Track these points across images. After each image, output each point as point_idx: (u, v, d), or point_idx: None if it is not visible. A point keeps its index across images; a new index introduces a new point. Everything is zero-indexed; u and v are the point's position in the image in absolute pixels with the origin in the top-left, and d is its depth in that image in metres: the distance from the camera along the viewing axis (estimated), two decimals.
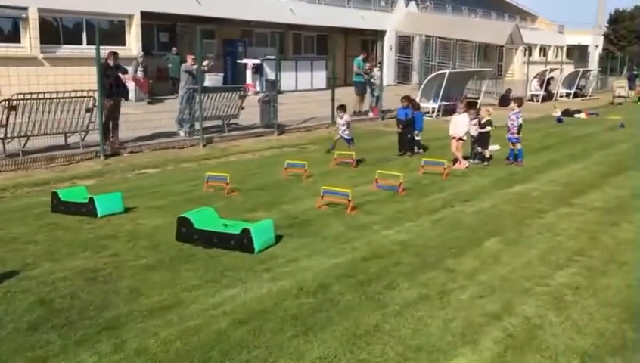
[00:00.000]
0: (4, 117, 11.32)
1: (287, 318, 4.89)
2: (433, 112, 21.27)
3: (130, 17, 19.68)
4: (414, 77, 32.77)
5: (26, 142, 11.76)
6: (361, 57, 20.07)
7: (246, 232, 6.40)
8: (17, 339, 4.47)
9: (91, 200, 7.77)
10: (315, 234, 7.16)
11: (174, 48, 21.35)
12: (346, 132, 12.93)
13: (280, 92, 22.55)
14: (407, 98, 12.92)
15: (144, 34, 20.55)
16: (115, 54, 12.71)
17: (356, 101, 19.86)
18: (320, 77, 26.96)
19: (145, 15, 19.95)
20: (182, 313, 4.96)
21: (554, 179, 10.72)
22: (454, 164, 11.53)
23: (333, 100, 17.79)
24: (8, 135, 11.43)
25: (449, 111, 20.14)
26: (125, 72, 12.85)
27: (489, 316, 4.99)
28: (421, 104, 20.31)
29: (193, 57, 14.11)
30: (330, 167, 11.53)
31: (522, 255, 6.54)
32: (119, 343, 4.43)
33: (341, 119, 12.97)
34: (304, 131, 16.85)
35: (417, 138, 12.95)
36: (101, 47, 11.71)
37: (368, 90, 20.22)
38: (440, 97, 21.34)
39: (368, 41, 32.98)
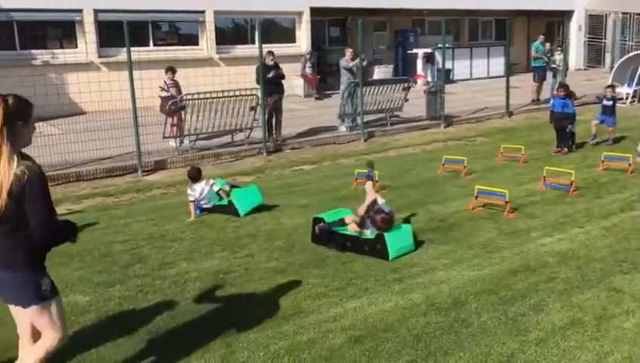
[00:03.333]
0: (176, 117, 12.02)
1: (409, 338, 4.39)
2: (627, 98, 18.93)
3: (300, 13, 20.03)
4: (607, 59, 29.59)
5: (195, 140, 12.39)
6: (539, 40, 18.44)
7: (380, 237, 5.96)
8: (136, 343, 4.47)
9: (230, 202, 7.82)
10: (460, 240, 6.50)
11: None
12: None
13: (452, 81, 21.69)
14: (564, 87, 11.52)
15: (314, 30, 20.82)
16: (271, 52, 12.88)
17: (534, 88, 18.30)
18: (498, 64, 25.26)
19: (315, 11, 20.17)
20: (299, 324, 4.68)
21: None
22: None
23: (508, 87, 16.58)
24: (180, 134, 12.13)
25: None
26: (277, 72, 12.89)
27: None
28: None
29: (351, 50, 13.86)
30: (496, 162, 10.62)
31: None
32: (227, 354, 4.27)
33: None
34: (474, 123, 15.86)
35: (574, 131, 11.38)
36: (272, 45, 11.97)
37: (549, 75, 18.52)
38: (636, 80, 18.90)
39: (554, 22, 30.40)
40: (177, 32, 19.12)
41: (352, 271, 5.73)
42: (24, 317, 3.39)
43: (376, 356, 4.17)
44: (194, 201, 7.82)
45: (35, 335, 3.48)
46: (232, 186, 8.21)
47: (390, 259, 5.91)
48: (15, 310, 3.39)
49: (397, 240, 6.03)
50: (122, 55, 15.05)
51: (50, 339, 3.42)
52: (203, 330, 4.65)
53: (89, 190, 9.99)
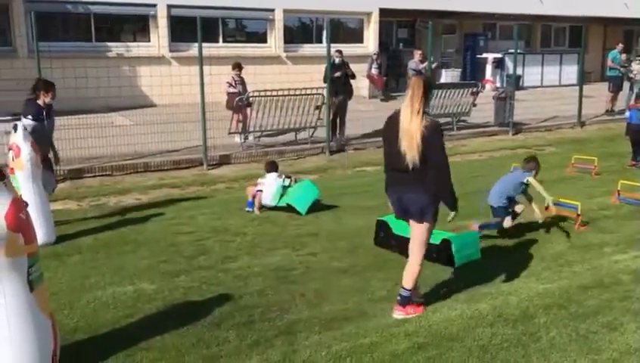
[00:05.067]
0: (242, 113, 12.17)
1: (475, 349, 4.26)
2: None
3: (369, 14, 19.95)
4: None
5: (260, 136, 12.50)
6: (617, 49, 17.75)
7: (446, 244, 5.84)
8: (200, 333, 4.53)
9: (288, 205, 7.87)
10: (530, 251, 6.29)
11: None
12: None
13: (522, 88, 21.15)
14: None
15: (382, 31, 20.70)
16: (339, 51, 12.84)
17: (609, 98, 17.64)
18: (570, 72, 24.53)
19: (384, 12, 20.05)
20: (361, 326, 4.62)
21: None
22: None
23: (581, 96, 16.04)
24: (245, 130, 12.27)
25: None
26: (345, 71, 12.83)
27: None
28: None
29: (420, 52, 13.69)
30: (567, 173, 10.26)
31: None
32: (289, 352, 4.25)
33: None
34: (544, 131, 15.42)
35: None
36: (339, 45, 11.89)
37: (626, 86, 17.81)
38: None
39: (633, 31, 29.25)
40: (246, 29, 19.38)
41: None
42: (418, 228, 4.71)
43: None
44: (260, 190, 7.89)
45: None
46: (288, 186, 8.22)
47: (456, 265, 5.78)
48: (412, 223, 4.75)
49: (464, 247, 5.90)
50: (192, 50, 15.42)
51: (422, 247, 4.79)
52: (265, 325, 4.66)
53: (156, 181, 10.22)
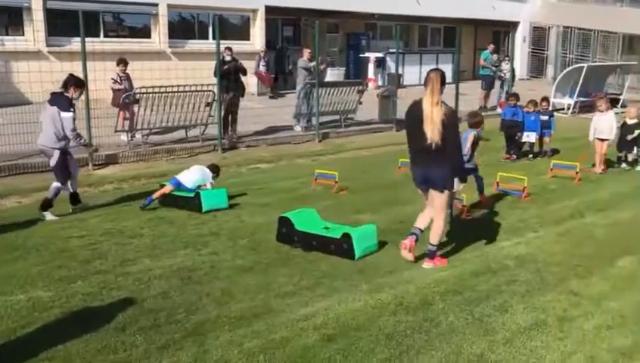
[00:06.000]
0: (128, 110, 11.77)
1: (381, 337, 4.45)
2: (568, 108, 19.71)
3: (255, 11, 19.94)
4: (549, 71, 30.69)
5: (148, 134, 12.15)
6: (488, 50, 19.00)
7: (346, 237, 6.02)
8: (104, 339, 4.38)
9: (197, 194, 7.75)
10: (421, 241, 6.59)
11: None
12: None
13: (402, 86, 22.01)
14: (515, 96, 11.95)
15: (268, 28, 20.76)
16: (229, 48, 12.78)
17: (482, 96, 18.83)
18: (446, 70, 25.79)
19: (269, 9, 20.12)
20: (271, 323, 4.67)
21: None
22: (594, 168, 10.47)
23: (457, 94, 16.97)
24: (132, 128, 11.88)
25: (586, 108, 18.58)
26: (236, 64, 12.81)
27: (618, 352, 4.25)
28: (556, 100, 19.02)
29: (309, 51, 13.91)
30: None
31: None
32: (200, 353, 4.22)
33: None
34: None
35: (532, 141, 11.74)
36: (226, 42, 11.81)
37: (497, 84, 19.11)
38: (577, 92, 19.70)
39: (500, 32, 31.33)
40: (128, 23, 18.71)
41: (319, 270, 5.76)
42: (439, 196, 5.74)
43: (350, 354, 4.21)
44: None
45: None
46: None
47: (356, 258, 5.97)
48: (434, 192, 5.75)
49: (363, 240, 6.10)
50: (71, 45, 14.66)
51: (444, 210, 5.89)
52: (173, 327, 4.59)
53: (38, 183, 9.60)
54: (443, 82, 5.59)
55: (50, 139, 7.52)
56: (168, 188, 7.95)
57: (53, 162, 7.63)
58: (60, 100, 7.51)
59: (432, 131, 5.48)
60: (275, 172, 10.66)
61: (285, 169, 10.95)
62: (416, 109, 5.64)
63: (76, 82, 7.70)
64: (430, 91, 5.51)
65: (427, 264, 5.82)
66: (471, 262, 6.02)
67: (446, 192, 5.76)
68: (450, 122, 5.52)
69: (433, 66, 6.10)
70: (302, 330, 4.55)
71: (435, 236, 5.82)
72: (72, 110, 7.53)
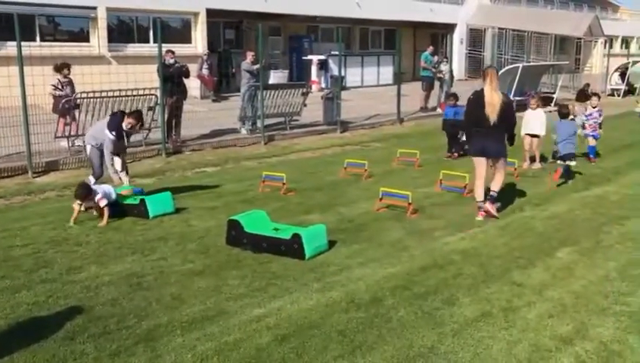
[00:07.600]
0: (69, 116, 11.48)
1: (334, 334, 4.52)
2: None
3: (196, 14, 19.78)
4: None
5: None
6: (428, 51, 19.42)
7: (296, 237, 6.07)
8: (53, 348, 4.29)
9: (142, 201, 7.64)
10: (370, 239, 6.75)
11: None
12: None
13: (345, 88, 22.25)
14: (454, 96, 12.36)
15: (210, 31, 20.61)
16: (171, 52, 12.65)
17: (423, 97, 19.23)
18: (387, 72, 26.40)
19: (211, 12, 19.99)
20: (224, 325, 4.67)
21: (637, 181, 9.86)
22: (530, 163, 10.89)
23: (399, 95, 17.29)
24: (73, 133, 11.59)
25: (523, 107, 19.21)
26: (180, 68, 12.70)
27: (560, 339, 4.45)
28: None
29: (252, 53, 13.91)
30: (393, 166, 11.06)
31: (599, 267, 5.92)
32: (153, 358, 4.19)
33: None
34: (368, 129, 16.40)
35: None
36: (168, 45, 11.67)
37: (437, 85, 19.55)
38: (513, 92, 20.35)
39: (438, 34, 32.11)
40: (66, 27, 18.23)
41: (270, 271, 5.78)
42: (499, 161, 7.60)
43: (304, 353, 4.26)
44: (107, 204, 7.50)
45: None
46: (142, 192, 8.00)
47: (307, 258, 6.03)
48: (496, 159, 7.60)
49: (313, 240, 6.16)
50: (6, 49, 14.19)
51: (504, 168, 7.84)
52: (123, 334, 4.53)
53: None
54: (497, 75, 7.49)
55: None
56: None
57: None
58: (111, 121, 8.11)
59: (492, 112, 7.24)
60: (222, 175, 10.60)
61: (232, 172, 10.91)
62: (479, 96, 7.35)
63: (137, 117, 8.36)
64: (490, 81, 7.24)
65: (489, 206, 7.49)
66: (419, 257, 6.17)
67: (503, 158, 7.59)
68: (508, 106, 7.46)
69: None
70: (256, 331, 4.57)
71: (498, 185, 7.61)
72: (114, 133, 7.99)
